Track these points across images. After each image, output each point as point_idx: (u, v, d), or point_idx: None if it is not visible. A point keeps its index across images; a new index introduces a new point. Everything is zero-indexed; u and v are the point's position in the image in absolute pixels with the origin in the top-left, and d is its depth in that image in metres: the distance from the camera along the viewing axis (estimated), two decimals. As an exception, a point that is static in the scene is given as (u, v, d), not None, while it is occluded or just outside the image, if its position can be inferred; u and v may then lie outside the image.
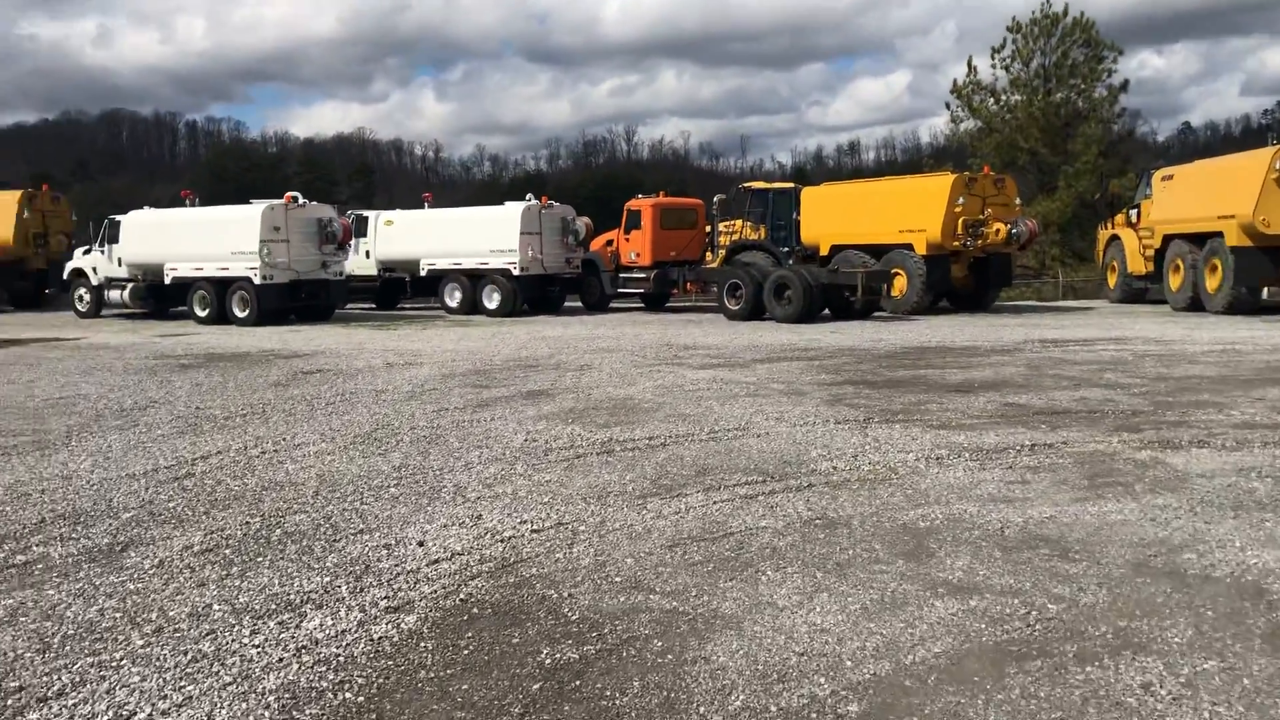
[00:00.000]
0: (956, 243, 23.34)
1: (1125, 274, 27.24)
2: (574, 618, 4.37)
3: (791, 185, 28.89)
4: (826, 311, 22.59)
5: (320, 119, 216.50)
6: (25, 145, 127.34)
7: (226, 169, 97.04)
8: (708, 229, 27.24)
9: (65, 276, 26.22)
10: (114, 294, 24.88)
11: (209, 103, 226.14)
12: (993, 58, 41.39)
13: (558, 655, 3.98)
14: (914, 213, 23.69)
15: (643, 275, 26.05)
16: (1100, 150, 38.70)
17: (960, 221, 23.28)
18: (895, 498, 6.33)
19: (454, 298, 26.00)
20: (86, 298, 25.62)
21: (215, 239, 23.03)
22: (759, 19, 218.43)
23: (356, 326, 22.29)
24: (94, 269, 25.37)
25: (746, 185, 29.71)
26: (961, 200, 23.24)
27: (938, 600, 4.54)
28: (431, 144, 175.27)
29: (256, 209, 22.87)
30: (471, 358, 14.93)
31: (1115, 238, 28.05)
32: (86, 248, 26.02)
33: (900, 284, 23.38)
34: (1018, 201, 24.88)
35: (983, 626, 4.24)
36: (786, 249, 26.80)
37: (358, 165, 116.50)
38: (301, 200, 23.58)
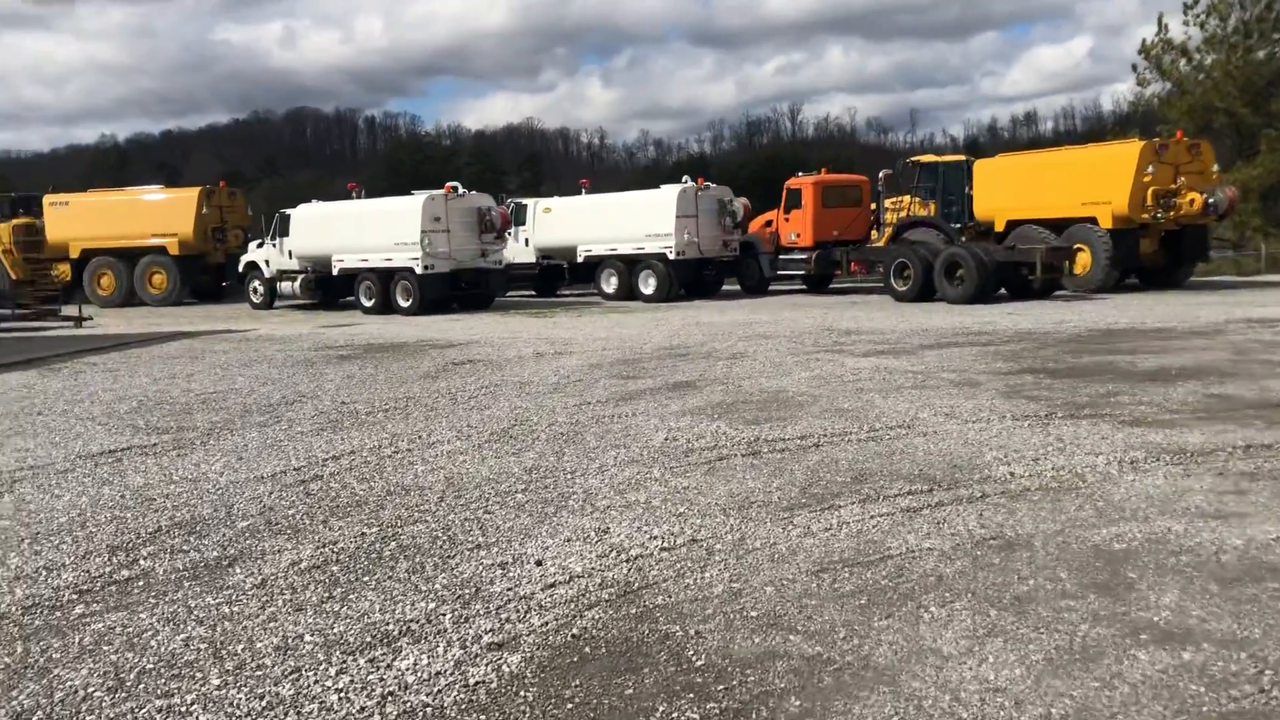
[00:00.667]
0: (1146, 215, 21.54)
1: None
2: (699, 663, 3.77)
3: (964, 158, 27.34)
4: (1002, 292, 21.22)
5: (491, 110, 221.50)
6: (219, 145, 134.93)
7: (402, 162, 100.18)
8: (873, 206, 26.10)
9: (240, 269, 27.19)
10: (286, 286, 25.61)
11: (387, 98, 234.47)
12: (1185, 14, 38.38)
13: (675, 715, 3.38)
14: (1099, 184, 21.99)
15: (803, 256, 25.11)
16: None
17: (1150, 192, 21.47)
18: (1084, 512, 5.47)
19: (610, 284, 25.70)
20: (260, 290, 26.48)
21: (379, 230, 23.36)
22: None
23: (514, 314, 22.22)
24: (266, 262, 26.19)
25: (915, 159, 28.37)
26: (1151, 169, 21.43)
27: (1141, 651, 3.73)
28: (596, 131, 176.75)
29: (417, 200, 23.06)
30: (622, 346, 14.48)
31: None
32: (260, 241, 26.89)
33: (1084, 261, 21.75)
34: (1215, 169, 22.78)
35: (1201, 690, 3.42)
36: (958, 225, 25.40)
37: (525, 155, 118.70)
38: (461, 190, 23.67)
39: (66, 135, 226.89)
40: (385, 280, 23.40)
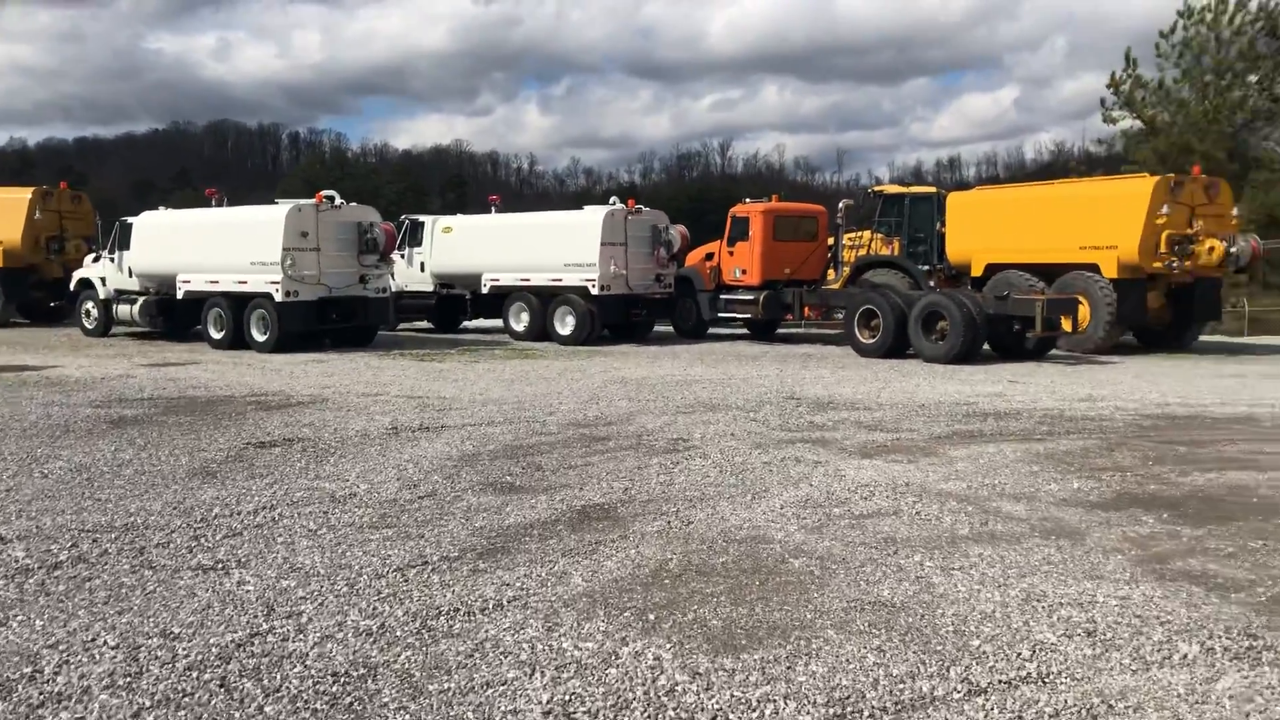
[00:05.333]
0: (1158, 263, 18.14)
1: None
2: None
3: (934, 190, 23.86)
4: (986, 349, 17.64)
5: (424, 132, 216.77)
6: (135, 154, 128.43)
7: (319, 179, 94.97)
8: (830, 242, 22.40)
9: (72, 287, 22.44)
10: (123, 309, 20.98)
11: (319, 115, 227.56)
12: (1157, 50, 35.73)
13: None
14: (1102, 225, 18.55)
15: (750, 297, 21.23)
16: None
17: (1164, 236, 18.09)
18: None
19: (519, 320, 21.56)
20: (94, 313, 21.78)
21: (233, 246, 18.94)
22: (865, 33, 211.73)
23: (395, 356, 17.99)
24: (103, 280, 21.54)
25: (878, 189, 24.83)
26: (1165, 209, 18.06)
27: None
28: (527, 156, 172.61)
29: (280, 210, 18.73)
30: (518, 417, 10.42)
31: (1343, 260, 22.42)
32: (96, 255, 22.20)
33: (1081, 315, 18.21)
34: (1235, 213, 19.52)
35: None
36: (926, 267, 21.87)
37: (451, 176, 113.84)
38: (338, 200, 19.40)
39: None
40: (238, 308, 18.98)
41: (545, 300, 21.11)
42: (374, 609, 4.62)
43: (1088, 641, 4.17)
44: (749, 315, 21.64)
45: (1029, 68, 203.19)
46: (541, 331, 21.07)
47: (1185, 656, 4.01)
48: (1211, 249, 18.17)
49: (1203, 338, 20.94)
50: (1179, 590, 4.83)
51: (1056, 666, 3.94)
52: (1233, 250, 18.19)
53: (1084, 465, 7.97)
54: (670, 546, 5.63)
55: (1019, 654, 4.06)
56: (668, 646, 4.17)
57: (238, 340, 18.96)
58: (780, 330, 23.44)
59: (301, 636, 4.30)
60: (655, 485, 7.21)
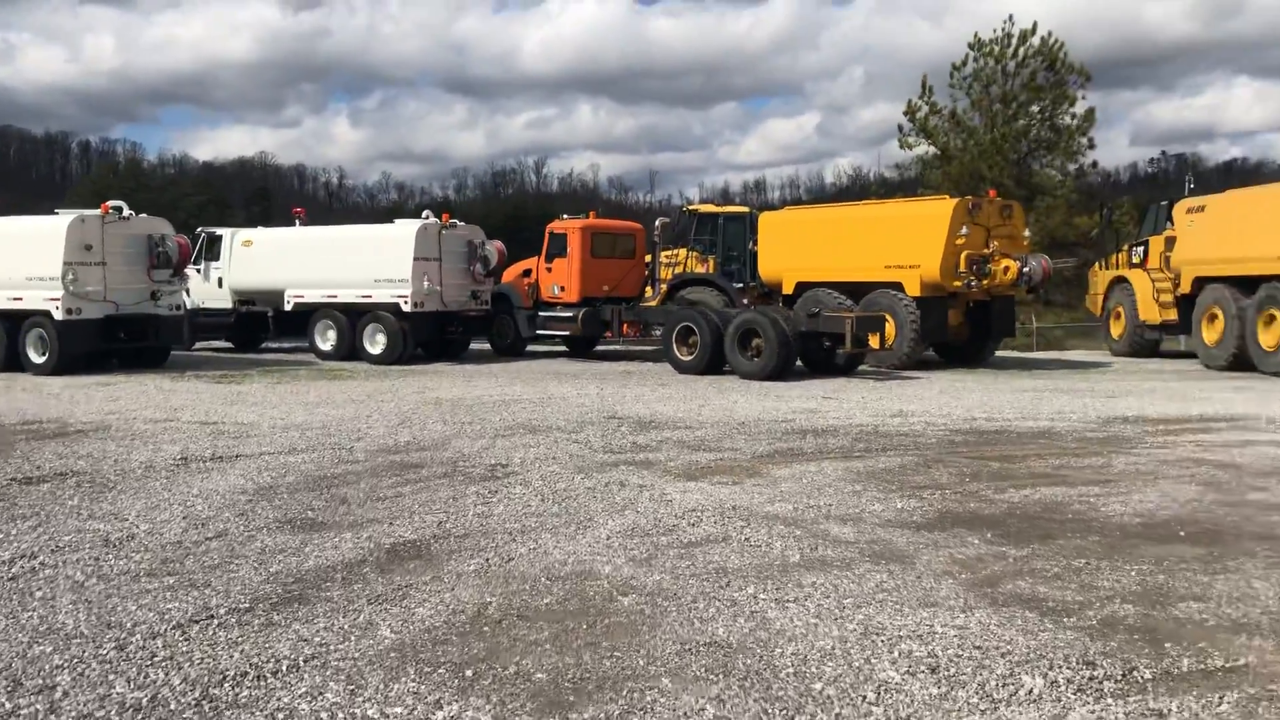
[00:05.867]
0: (958, 282, 18.86)
1: (1136, 322, 23.13)
2: None
3: (746, 210, 24.20)
4: (799, 365, 17.89)
5: (226, 143, 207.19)
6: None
7: (111, 188, 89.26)
8: (648, 259, 22.38)
9: None
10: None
11: (113, 124, 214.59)
12: (950, 80, 37.61)
13: None
14: (906, 245, 19.16)
15: (568, 314, 20.94)
16: (1072, 186, 35.01)
17: (963, 256, 18.82)
18: None
19: (326, 339, 20.61)
20: None
21: (7, 260, 17.34)
22: (676, 58, 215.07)
23: (191, 377, 16.81)
24: None
25: (692, 207, 25.01)
26: (965, 230, 18.80)
27: None
28: (336, 170, 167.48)
29: (61, 221, 17.27)
30: (323, 443, 9.74)
31: (1121, 280, 23.97)
32: None
33: (888, 332, 18.72)
34: (1027, 234, 20.54)
35: None
36: (740, 285, 22.14)
37: (256, 189, 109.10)
38: (126, 211, 18.03)
39: None
40: (13, 326, 17.38)
41: (354, 318, 20.23)
42: (146, 677, 4.01)
43: (932, 679, 3.99)
44: (567, 332, 21.35)
45: (829, 95, 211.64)
46: (350, 351, 20.17)
47: (1030, 692, 3.87)
48: (1007, 269, 19.02)
49: (998, 353, 21.90)
50: (1014, 617, 4.74)
51: (904, 710, 3.72)
52: (1026, 270, 19.08)
53: (904, 483, 7.97)
54: (489, 587, 5.20)
55: (864, 697, 3.83)
56: (487, 708, 3.74)
57: (12, 361, 17.35)
58: (599, 347, 23.24)
59: (53, 717, 3.66)
60: (472, 517, 6.75)
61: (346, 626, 4.60)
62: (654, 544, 6.06)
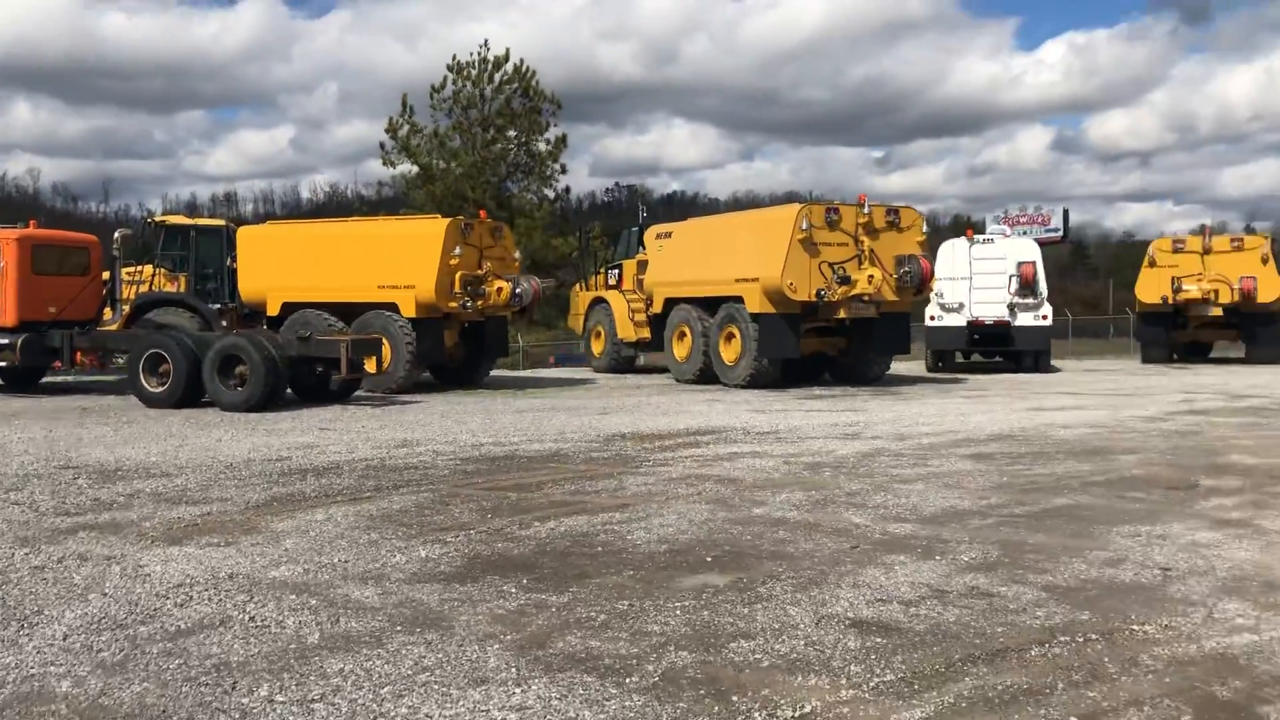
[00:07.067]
0: (453, 303, 18.64)
1: (614, 340, 24.50)
2: None
3: (223, 223, 22.21)
4: (290, 394, 16.62)
5: None
6: None
7: None
8: (106, 276, 19.67)
9: None
10: None
11: None
12: (431, 99, 37.74)
13: None
14: (400, 264, 18.62)
15: (5, 342, 17.70)
16: (550, 209, 36.64)
17: (457, 277, 18.65)
18: None
19: None
20: None
21: None
22: (133, 57, 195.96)
23: None
24: None
25: (158, 219, 22.50)
26: (458, 250, 18.63)
27: None
28: None
29: None
30: None
31: (600, 301, 25.29)
32: None
33: (384, 355, 18.01)
34: (517, 255, 20.86)
35: None
36: (218, 306, 20.27)
37: None
38: None
39: None
40: None
41: None
42: None
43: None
44: (4, 363, 18.08)
45: (304, 110, 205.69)
46: None
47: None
48: (500, 289, 19.13)
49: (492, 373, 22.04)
50: (574, 684, 4.24)
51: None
52: (518, 291, 19.33)
53: (424, 525, 7.30)
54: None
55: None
56: None
57: None
58: (46, 380, 20.02)
59: None
60: None
61: None
62: (131, 639, 4.82)
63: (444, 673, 4.39)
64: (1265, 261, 26.96)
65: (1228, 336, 28.79)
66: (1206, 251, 27.46)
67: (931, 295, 23.27)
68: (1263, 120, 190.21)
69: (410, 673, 4.39)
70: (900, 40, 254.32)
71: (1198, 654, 4.51)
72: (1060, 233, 54.43)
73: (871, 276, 18.73)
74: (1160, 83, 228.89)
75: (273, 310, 19.47)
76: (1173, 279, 27.10)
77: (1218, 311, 27.17)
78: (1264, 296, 26.68)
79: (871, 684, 4.22)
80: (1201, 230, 30.43)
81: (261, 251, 19.99)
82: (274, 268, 19.59)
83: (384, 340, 17.75)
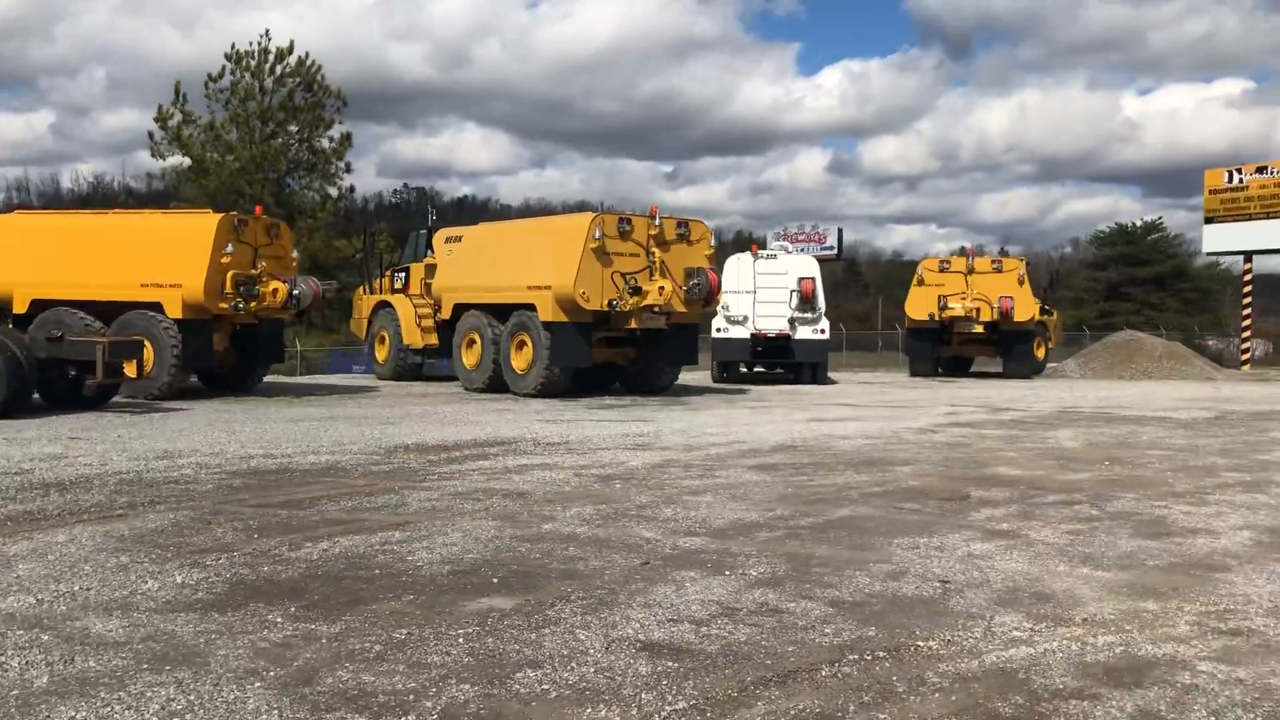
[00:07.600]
0: (224, 304, 17.58)
1: (399, 346, 23.76)
2: None
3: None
4: (37, 399, 15.21)
5: None
6: None
7: None
8: None
9: None
10: None
11: None
12: (207, 89, 35.71)
13: None
14: (165, 262, 17.46)
15: None
16: (333, 208, 35.31)
17: (229, 276, 17.59)
18: None
19: None
20: None
21: None
22: None
23: None
24: None
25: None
26: (230, 248, 17.59)
27: None
28: None
29: None
30: None
31: (385, 305, 24.48)
32: None
33: (146, 358, 16.75)
34: (295, 255, 19.87)
35: None
36: (-48, 303, 18.38)
37: None
38: None
39: None
40: None
41: None
42: None
43: None
44: None
45: (67, 94, 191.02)
46: None
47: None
48: (275, 290, 18.17)
49: (264, 379, 20.92)
50: (345, 726, 3.86)
51: None
52: (296, 292, 18.41)
53: (182, 547, 6.68)
54: None
55: None
56: None
57: None
58: None
59: None
60: None
61: None
62: None
63: (195, 718, 3.92)
64: (1021, 283, 28.97)
65: (987, 353, 30.76)
66: (970, 271, 29.26)
67: (718, 308, 23.70)
68: (1015, 152, 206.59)
69: (156, 719, 3.90)
70: (690, 58, 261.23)
71: (979, 670, 4.57)
72: (835, 250, 57.10)
73: (662, 288, 18.86)
74: (926, 112, 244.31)
75: (19, 308, 17.86)
76: (939, 297, 28.74)
77: (979, 329, 28.98)
78: (1020, 315, 28.67)
79: (664, 713, 4.05)
80: (963, 252, 32.44)
81: (9, 244, 18.29)
82: (22, 261, 17.97)
83: (146, 342, 16.50)
